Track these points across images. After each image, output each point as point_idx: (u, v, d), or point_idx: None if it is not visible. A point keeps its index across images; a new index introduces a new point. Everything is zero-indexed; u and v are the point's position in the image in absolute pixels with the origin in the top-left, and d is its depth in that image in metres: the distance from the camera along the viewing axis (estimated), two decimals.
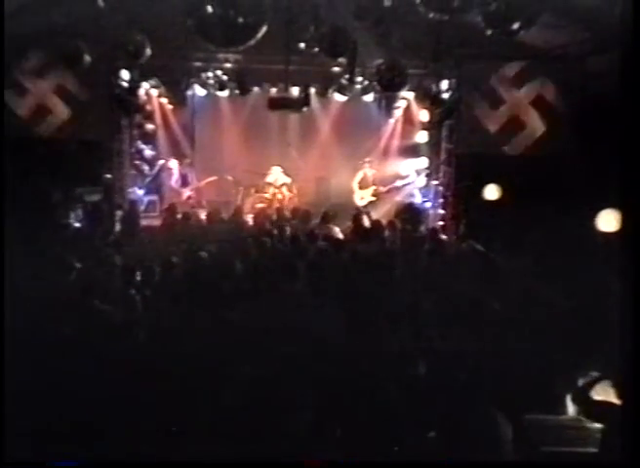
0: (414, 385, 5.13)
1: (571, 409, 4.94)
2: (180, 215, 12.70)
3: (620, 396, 4.30)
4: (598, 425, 4.46)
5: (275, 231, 10.66)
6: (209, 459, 4.10)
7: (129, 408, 4.66)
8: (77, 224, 13.17)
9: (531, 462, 4.04)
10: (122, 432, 4.44)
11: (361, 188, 15.74)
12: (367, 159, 15.81)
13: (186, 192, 15.57)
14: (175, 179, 15.66)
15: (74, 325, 5.99)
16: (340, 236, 11.29)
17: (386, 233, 11.83)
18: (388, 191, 15.76)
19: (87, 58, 10.45)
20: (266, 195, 15.64)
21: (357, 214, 13.02)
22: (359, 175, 15.78)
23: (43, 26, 10.99)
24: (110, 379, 4.91)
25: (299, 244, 9.75)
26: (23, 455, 4.12)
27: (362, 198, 15.66)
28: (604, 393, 4.47)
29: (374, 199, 15.67)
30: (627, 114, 3.90)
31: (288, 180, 15.72)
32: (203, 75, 14.34)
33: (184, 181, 15.67)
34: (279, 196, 15.58)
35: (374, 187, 15.70)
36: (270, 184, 15.68)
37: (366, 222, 12.80)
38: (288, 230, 10.97)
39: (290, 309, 6.58)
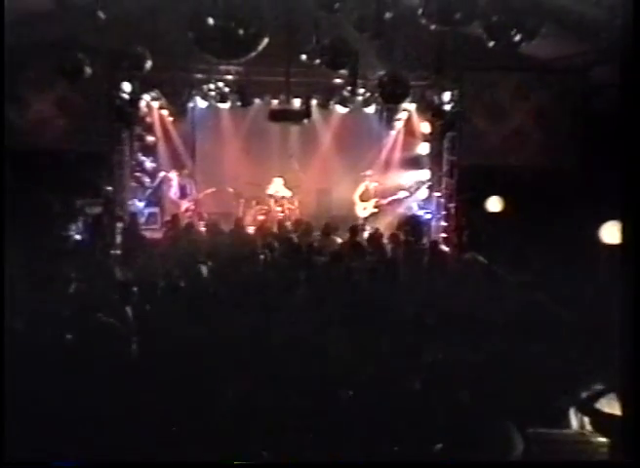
0: (415, 398, 5.09)
1: (574, 422, 4.88)
2: (182, 227, 12.70)
3: (623, 409, 4.25)
4: (602, 439, 4.41)
5: (276, 243, 10.63)
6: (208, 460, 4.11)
7: (128, 409, 4.67)
8: (78, 237, 13.13)
9: (531, 462, 4.01)
10: (121, 433, 4.45)
11: (363, 201, 15.70)
12: (368, 173, 15.78)
13: (185, 204, 15.51)
14: (174, 191, 15.62)
15: (75, 334, 6.00)
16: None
17: (389, 245, 11.83)
18: (390, 203, 15.73)
19: (87, 70, 10.43)
20: (267, 207, 15.64)
21: (356, 225, 12.99)
22: (360, 188, 15.75)
23: (43, 38, 10.98)
24: (110, 382, 4.92)
25: (300, 256, 9.73)
26: (23, 455, 4.14)
27: (365, 209, 15.62)
28: (609, 406, 4.42)
29: (376, 211, 15.63)
30: (629, 125, 3.87)
31: (288, 193, 15.74)
32: (204, 87, 14.37)
33: (184, 193, 15.61)
34: (278, 208, 15.57)
35: (375, 199, 15.66)
36: (271, 196, 15.68)
37: (366, 234, 12.80)
38: (290, 242, 10.94)
39: (290, 321, 6.55)
